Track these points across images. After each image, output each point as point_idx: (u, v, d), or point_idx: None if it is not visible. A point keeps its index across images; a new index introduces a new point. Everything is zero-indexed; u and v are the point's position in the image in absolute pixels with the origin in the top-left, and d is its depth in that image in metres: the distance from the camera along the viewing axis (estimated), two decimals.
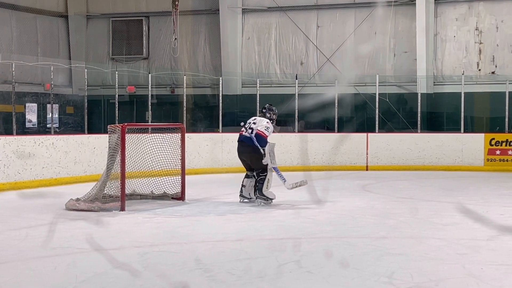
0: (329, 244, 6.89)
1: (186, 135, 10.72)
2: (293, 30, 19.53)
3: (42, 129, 18.85)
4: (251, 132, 9.65)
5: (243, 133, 9.76)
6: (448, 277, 5.42)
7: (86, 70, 15.89)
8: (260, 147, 9.55)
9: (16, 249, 6.57)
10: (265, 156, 9.55)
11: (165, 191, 10.34)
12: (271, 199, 9.57)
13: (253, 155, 9.60)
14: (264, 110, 10.03)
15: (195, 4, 20.51)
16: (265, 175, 9.52)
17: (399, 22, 18.60)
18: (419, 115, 16.92)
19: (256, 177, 9.61)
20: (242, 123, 10.01)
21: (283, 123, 18.80)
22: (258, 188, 9.57)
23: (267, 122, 9.77)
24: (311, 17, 19.45)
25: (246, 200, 9.90)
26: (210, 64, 20.41)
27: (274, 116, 10.05)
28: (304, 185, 9.82)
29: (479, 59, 18.00)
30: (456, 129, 17.02)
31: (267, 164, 9.53)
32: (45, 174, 12.16)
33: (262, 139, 9.57)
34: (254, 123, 9.75)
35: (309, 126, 18.13)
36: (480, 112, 17.89)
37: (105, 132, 10.24)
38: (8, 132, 15.37)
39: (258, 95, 16.96)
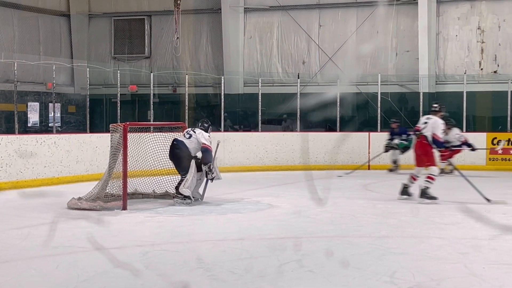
0: (330, 243, 6.89)
1: None
2: (295, 29, 19.52)
3: (44, 128, 18.87)
4: (189, 138, 9.78)
5: (179, 138, 9.92)
6: (450, 276, 5.42)
7: (88, 69, 15.90)
8: (191, 152, 9.71)
9: (17, 248, 6.58)
10: (213, 173, 9.69)
11: (167, 190, 10.35)
12: (187, 196, 9.52)
13: (182, 158, 9.70)
14: (206, 125, 10.16)
15: (197, 3, 20.52)
16: (185, 176, 9.60)
17: (401, 21, 18.59)
18: (421, 114, 16.87)
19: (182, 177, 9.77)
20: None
21: (284, 122, 18.83)
22: (176, 187, 9.72)
23: (208, 135, 9.95)
24: (313, 16, 19.44)
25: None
26: (212, 63, 20.42)
27: (210, 132, 10.26)
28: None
29: (481, 58, 17.98)
30: (458, 129, 16.99)
31: (191, 167, 9.59)
32: (47, 173, 12.17)
33: (209, 153, 9.71)
34: (194, 132, 9.88)
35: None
36: (482, 112, 17.87)
37: (107, 131, 10.24)
38: (10, 131, 15.39)
39: (260, 94, 16.96)
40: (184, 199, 9.53)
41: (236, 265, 5.80)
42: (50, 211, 8.91)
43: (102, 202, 9.13)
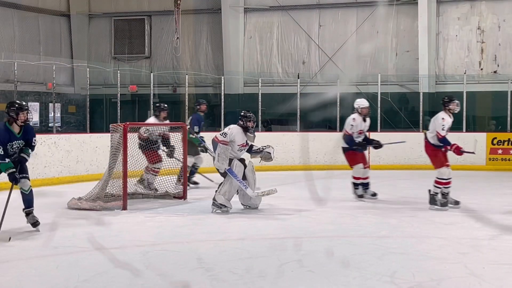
0: (330, 243, 6.90)
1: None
2: (295, 29, 19.52)
3: (44, 128, 18.86)
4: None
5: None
6: (450, 276, 5.43)
7: (88, 69, 15.89)
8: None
9: (18, 248, 6.59)
10: (215, 158, 8.99)
11: (167, 190, 10.36)
12: (222, 204, 8.90)
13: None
14: (241, 122, 9.34)
15: (197, 3, 20.51)
16: (223, 182, 9.04)
17: (401, 21, 18.59)
18: (421, 114, 16.90)
19: None
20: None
21: (284, 122, 18.80)
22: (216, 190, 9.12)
23: (228, 128, 9.18)
24: (313, 16, 19.44)
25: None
26: (212, 63, 20.42)
27: (249, 123, 9.39)
28: (272, 193, 9.14)
29: (481, 58, 17.98)
30: (458, 129, 16.98)
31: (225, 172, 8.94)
32: (47, 173, 12.17)
33: (214, 143, 9.05)
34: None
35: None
36: (482, 112, 17.86)
37: (107, 131, 10.23)
38: None
39: (260, 94, 16.96)
40: (221, 207, 8.93)
41: (236, 265, 5.80)
42: (50, 211, 8.90)
43: (102, 202, 9.14)
